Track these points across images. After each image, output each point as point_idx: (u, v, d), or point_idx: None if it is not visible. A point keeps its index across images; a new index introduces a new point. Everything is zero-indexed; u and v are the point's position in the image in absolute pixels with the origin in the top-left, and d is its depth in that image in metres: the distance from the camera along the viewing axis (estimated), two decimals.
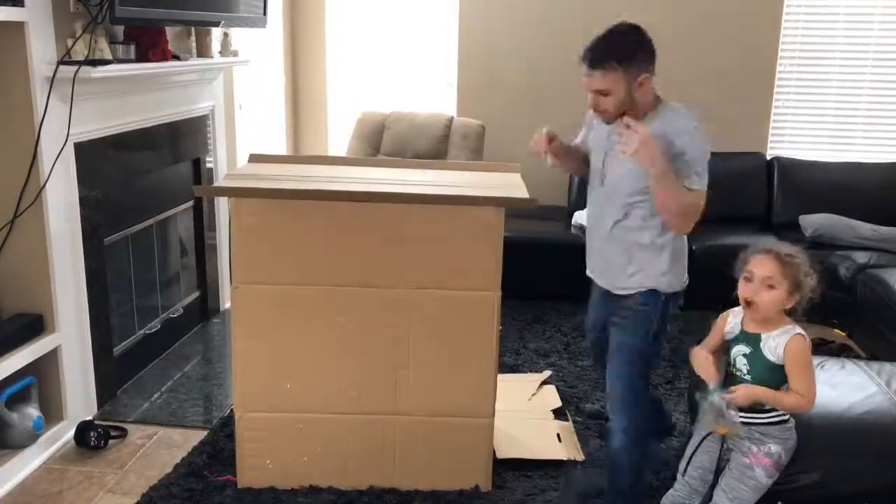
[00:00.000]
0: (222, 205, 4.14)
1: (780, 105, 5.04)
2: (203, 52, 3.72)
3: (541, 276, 4.47)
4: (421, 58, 5.26)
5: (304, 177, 2.60)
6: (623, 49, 2.32)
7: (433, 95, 5.27)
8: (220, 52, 3.88)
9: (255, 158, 2.90)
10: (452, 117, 4.96)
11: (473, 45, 5.12)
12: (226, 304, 4.27)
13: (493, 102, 5.16)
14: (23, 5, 2.51)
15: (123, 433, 2.95)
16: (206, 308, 4.13)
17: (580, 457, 2.83)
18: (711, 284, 4.46)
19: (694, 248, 4.35)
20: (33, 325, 2.75)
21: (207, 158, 3.96)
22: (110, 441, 2.87)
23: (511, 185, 2.64)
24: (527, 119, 5.15)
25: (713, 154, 5.23)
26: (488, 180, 2.69)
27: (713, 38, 4.95)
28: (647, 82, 2.29)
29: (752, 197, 4.82)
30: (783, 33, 4.92)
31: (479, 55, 5.13)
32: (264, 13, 3.92)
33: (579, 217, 4.71)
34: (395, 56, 5.26)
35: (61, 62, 2.68)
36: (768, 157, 4.93)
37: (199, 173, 3.91)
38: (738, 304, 2.19)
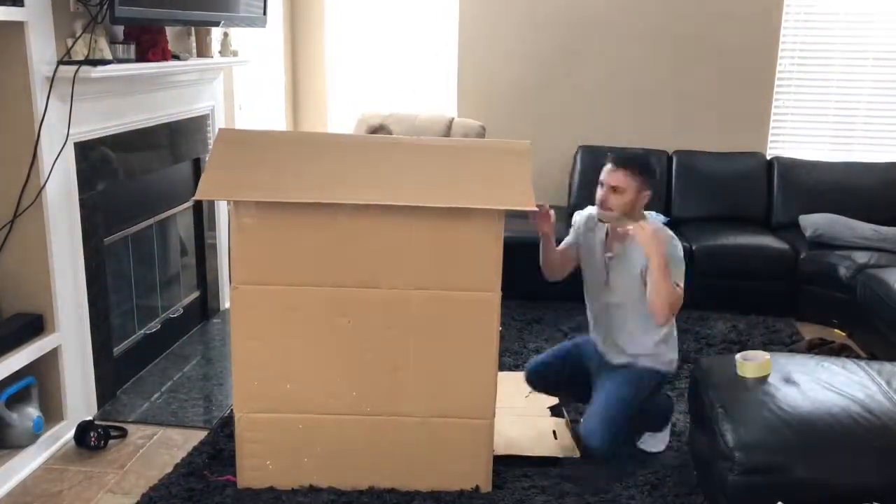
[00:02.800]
0: (222, 204, 4.13)
1: (780, 105, 5.04)
2: (203, 52, 3.72)
3: (541, 276, 4.45)
4: (421, 58, 5.26)
5: (301, 171, 2.57)
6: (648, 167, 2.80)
7: (434, 96, 5.27)
8: (219, 52, 3.88)
9: (226, 133, 2.70)
10: (452, 118, 4.96)
11: (473, 46, 5.12)
12: (226, 304, 4.26)
13: (494, 103, 5.15)
14: (23, 5, 2.51)
15: (123, 433, 2.95)
16: (205, 308, 4.13)
17: (576, 454, 2.84)
18: (713, 285, 4.48)
19: (694, 248, 4.35)
20: (33, 325, 2.75)
21: (207, 158, 3.95)
22: (110, 441, 2.87)
23: (515, 179, 2.52)
24: (527, 119, 5.15)
25: (713, 154, 5.24)
26: (493, 170, 2.56)
27: (713, 38, 4.95)
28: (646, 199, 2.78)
29: (751, 197, 4.82)
30: (783, 33, 4.91)
31: (479, 56, 5.12)
32: (264, 13, 3.92)
33: (579, 217, 4.71)
34: (395, 57, 5.26)
35: (61, 62, 2.68)
36: (768, 157, 4.93)
37: (199, 173, 3.91)
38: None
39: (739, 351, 2.78)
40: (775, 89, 5.00)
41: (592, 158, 4.98)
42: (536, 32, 5.06)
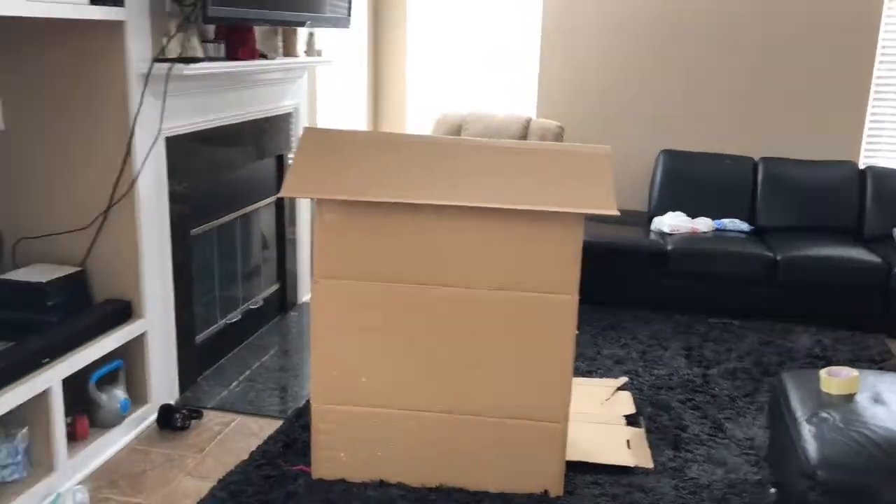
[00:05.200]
0: (303, 201, 4.22)
1: (876, 112, 4.83)
2: (289, 51, 3.81)
3: (618, 281, 4.40)
4: (502, 58, 5.26)
5: (383, 171, 2.60)
6: None
7: (513, 96, 5.26)
8: (305, 52, 3.96)
9: (311, 132, 2.69)
10: (530, 118, 4.94)
11: (555, 46, 5.09)
12: (303, 297, 4.35)
13: (573, 104, 5.11)
14: (122, 5, 2.62)
15: (199, 415, 3.05)
16: (284, 300, 4.22)
17: (649, 465, 2.78)
18: (798, 297, 4.32)
19: (778, 258, 4.21)
20: (122, 310, 2.87)
21: (290, 155, 4.05)
22: (191, 423, 2.98)
23: (596, 183, 2.50)
24: (607, 122, 5.09)
25: (802, 161, 5.01)
26: (574, 173, 2.53)
27: (803, 40, 4.78)
28: None
29: (841, 208, 4.63)
30: (882, 36, 4.71)
31: (561, 56, 5.09)
32: (348, 14, 3.99)
33: (659, 223, 4.62)
34: (476, 56, 5.27)
35: (156, 59, 2.79)
36: (861, 167, 4.74)
37: (282, 169, 4.00)
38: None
39: (824, 366, 2.68)
40: (871, 95, 4.79)
41: (675, 163, 4.89)
42: (620, 34, 4.99)
